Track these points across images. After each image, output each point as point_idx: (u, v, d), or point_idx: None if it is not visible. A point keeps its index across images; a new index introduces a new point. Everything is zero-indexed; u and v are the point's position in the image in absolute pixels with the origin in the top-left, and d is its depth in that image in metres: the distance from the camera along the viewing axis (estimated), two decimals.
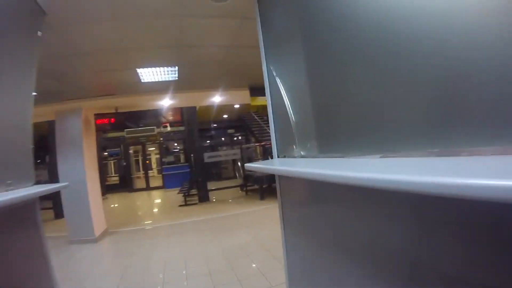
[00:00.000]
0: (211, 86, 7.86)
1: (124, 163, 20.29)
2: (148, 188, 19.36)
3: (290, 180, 2.13)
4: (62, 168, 7.51)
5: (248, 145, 16.98)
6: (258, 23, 2.60)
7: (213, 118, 20.12)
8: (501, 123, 0.81)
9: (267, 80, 2.48)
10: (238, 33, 4.75)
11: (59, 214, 10.25)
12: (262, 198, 11.13)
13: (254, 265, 5.11)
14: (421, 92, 1.08)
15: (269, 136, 9.48)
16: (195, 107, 13.13)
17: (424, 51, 1.04)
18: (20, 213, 2.05)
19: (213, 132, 22.53)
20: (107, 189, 18.25)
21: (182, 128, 19.29)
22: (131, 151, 21.47)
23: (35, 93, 5.98)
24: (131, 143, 20.53)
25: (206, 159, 13.12)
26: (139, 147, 21.65)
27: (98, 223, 7.82)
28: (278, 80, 2.28)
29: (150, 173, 22.48)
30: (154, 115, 19.47)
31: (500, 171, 0.69)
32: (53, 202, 11.15)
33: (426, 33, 1.03)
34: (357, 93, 1.45)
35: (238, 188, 14.14)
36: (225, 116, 20.68)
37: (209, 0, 3.61)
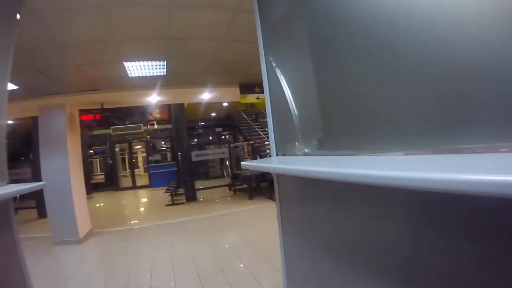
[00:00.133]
0: (201, 83, 7.66)
1: (110, 162, 19.99)
2: (134, 187, 19.08)
3: (291, 179, 1.95)
4: (45, 166, 7.28)
5: (236, 144, 16.81)
6: (256, 11, 2.42)
7: (201, 116, 19.94)
8: None
9: (266, 73, 2.30)
10: (230, 26, 4.57)
11: (42, 213, 10.01)
12: (250, 197, 10.97)
13: (244, 268, 4.97)
14: (450, 81, 0.97)
15: (258, 135, 9.45)
16: (183, 104, 12.91)
17: (444, 39, 0.97)
18: None
19: (201, 131, 22.34)
20: (92, 188, 17.95)
21: (169, 126, 19.13)
22: (117, 149, 21.17)
23: (17, 87, 5.76)
24: (117, 141, 20.25)
25: (193, 158, 12.95)
26: (126, 145, 21.36)
27: (83, 224, 7.61)
28: (278, 73, 2.11)
29: (137, 171, 22.19)
30: (141, 112, 19.25)
31: None
32: (37, 201, 10.85)
33: (441, 24, 0.98)
34: (370, 84, 1.30)
35: (226, 188, 13.98)
36: (213, 114, 20.51)
37: None
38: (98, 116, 8.15)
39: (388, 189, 1.01)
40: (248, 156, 16.26)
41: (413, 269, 1.14)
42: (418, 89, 1.07)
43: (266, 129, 14.32)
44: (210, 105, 14.45)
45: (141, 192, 17.56)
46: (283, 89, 2.01)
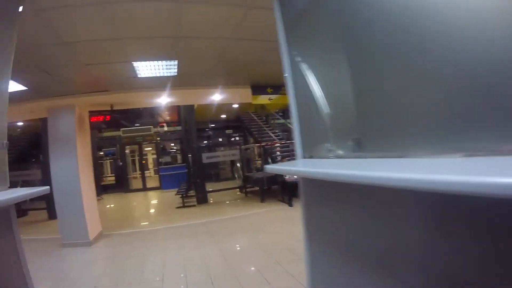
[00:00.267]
0: (211, 83, 7.51)
1: (120, 163, 19.94)
2: (144, 188, 19.00)
3: (320, 183, 1.77)
4: (55, 167, 7.21)
5: (247, 145, 16.65)
6: (277, 6, 2.25)
7: (211, 118, 19.82)
8: None
9: (289, 70, 2.12)
10: (241, 24, 4.39)
11: (52, 215, 9.95)
12: (262, 200, 10.79)
13: (258, 272, 4.83)
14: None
15: (268, 136, 9.31)
16: (193, 106, 12.79)
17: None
18: None
19: (210, 132, 22.21)
20: (102, 189, 17.95)
21: (179, 127, 19.06)
22: (127, 151, 21.14)
23: (25, 88, 5.65)
24: (127, 143, 20.20)
25: (204, 160, 12.82)
26: (136, 146, 21.30)
27: (93, 226, 7.52)
28: (303, 70, 1.93)
29: (147, 173, 22.16)
30: (150, 114, 19.21)
31: None
32: (47, 202, 10.80)
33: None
34: (420, 74, 1.12)
35: (237, 190, 13.82)
36: (223, 116, 20.37)
37: None
38: (108, 117, 8.05)
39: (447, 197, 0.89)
40: (258, 158, 16.10)
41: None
42: (482, 81, 0.91)
43: (277, 131, 14.26)
44: (220, 107, 14.29)
45: (152, 194, 17.47)
46: (310, 87, 1.83)
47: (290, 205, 9.52)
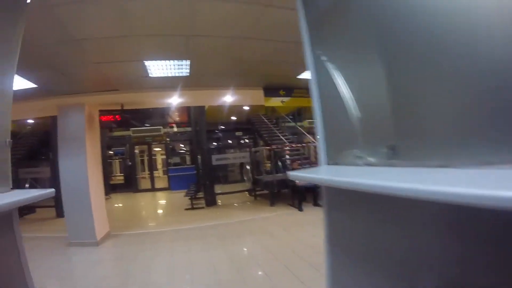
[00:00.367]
0: (224, 85, 7.39)
1: (129, 163, 19.93)
2: (153, 189, 18.95)
3: (346, 192, 1.63)
4: (63, 165, 7.19)
5: (257, 148, 16.51)
6: (300, 4, 2.11)
7: (221, 120, 19.73)
8: None
9: (314, 69, 1.97)
10: (258, 22, 4.26)
11: (60, 213, 9.92)
12: (272, 204, 10.66)
13: (267, 278, 4.71)
14: None
15: (279, 139, 9.22)
16: (204, 107, 12.70)
17: None
18: None
19: (220, 134, 22.13)
20: (111, 188, 17.95)
21: (189, 128, 19.02)
22: (136, 151, 21.13)
23: (35, 85, 5.60)
24: (137, 143, 20.19)
25: (214, 162, 12.72)
26: (145, 147, 21.27)
27: (100, 225, 7.47)
28: (329, 69, 1.78)
29: (155, 173, 22.13)
30: (160, 115, 19.22)
31: None
32: (55, 200, 10.74)
33: None
34: (469, 73, 0.98)
35: (246, 192, 13.68)
36: (233, 118, 20.27)
37: None
38: (118, 117, 7.98)
39: None
40: (268, 161, 15.98)
41: None
42: None
43: (287, 134, 14.14)
44: (230, 108, 14.21)
45: (160, 194, 17.41)
46: (336, 88, 1.69)
47: (300, 209, 9.39)
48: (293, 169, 10.62)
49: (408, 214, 1.26)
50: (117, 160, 22.81)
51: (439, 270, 1.13)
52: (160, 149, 24.84)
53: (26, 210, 11.62)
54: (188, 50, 5.11)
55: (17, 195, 1.55)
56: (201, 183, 13.01)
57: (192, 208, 11.28)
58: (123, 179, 21.02)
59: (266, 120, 18.69)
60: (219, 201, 12.33)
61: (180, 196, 13.70)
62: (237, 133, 22.56)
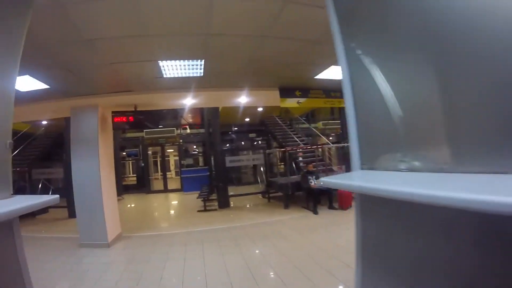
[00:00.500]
0: (238, 85, 7.23)
1: (142, 164, 19.94)
2: (166, 190, 18.90)
3: (386, 202, 1.45)
4: (76, 167, 7.16)
5: (272, 150, 16.32)
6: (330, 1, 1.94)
7: (235, 121, 19.62)
8: None
9: (346, 65, 1.78)
10: (276, 20, 4.10)
11: (73, 213, 9.88)
12: (286, 206, 10.49)
13: (283, 285, 4.55)
14: None
15: (293, 141, 9.10)
16: (217, 108, 12.58)
17: None
18: None
19: (233, 136, 22.02)
20: (124, 189, 18.06)
21: (202, 130, 18.99)
22: (149, 152, 21.16)
23: (48, 86, 5.51)
24: (150, 144, 20.20)
25: (228, 163, 12.59)
26: (158, 148, 21.26)
27: (112, 227, 7.41)
28: (364, 65, 1.60)
29: (168, 175, 22.11)
30: (173, 116, 19.23)
31: None
32: (67, 200, 10.74)
33: None
34: None
35: (259, 194, 13.51)
36: (247, 119, 20.14)
37: None
38: (131, 118, 7.87)
39: None
40: (281, 163, 15.83)
41: None
42: None
43: (301, 136, 14.00)
44: (244, 110, 14.08)
45: (173, 195, 17.33)
46: (373, 85, 1.51)
47: (315, 212, 9.20)
48: (307, 171, 10.44)
49: (465, 228, 1.08)
50: (130, 161, 22.88)
51: None
52: (173, 150, 24.87)
53: (38, 210, 11.59)
54: (203, 49, 4.96)
55: (18, 202, 1.41)
56: (214, 184, 12.90)
57: (205, 210, 11.17)
58: (136, 180, 21.16)
59: (280, 122, 18.53)
60: (231, 202, 12.19)
61: (193, 198, 13.57)
62: (251, 135, 22.43)
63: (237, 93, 7.92)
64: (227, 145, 21.49)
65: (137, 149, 20.56)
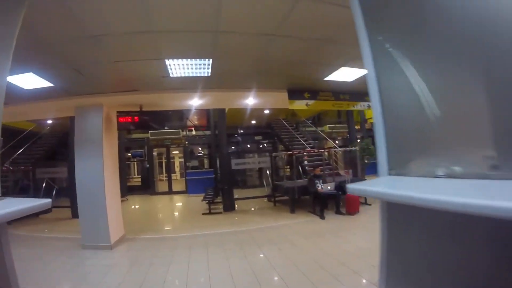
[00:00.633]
0: (246, 86, 7.09)
1: (147, 165, 19.85)
2: (170, 192, 18.77)
3: (419, 211, 1.28)
4: (79, 167, 7.09)
5: (278, 153, 16.14)
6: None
7: (241, 123, 19.49)
8: None
9: (371, 58, 1.59)
10: (288, 18, 3.95)
11: (76, 213, 9.81)
12: (292, 211, 10.32)
13: None
14: None
15: (300, 144, 8.94)
16: (224, 110, 12.44)
17: None
18: None
19: (239, 138, 21.89)
20: (128, 190, 18.02)
21: (208, 132, 18.90)
22: (154, 153, 21.07)
23: (51, 84, 5.41)
24: (155, 145, 20.10)
25: (234, 166, 12.43)
26: (163, 149, 21.15)
27: (115, 229, 7.31)
28: (395, 58, 1.42)
29: (173, 176, 22.00)
30: (179, 117, 19.15)
31: None
32: (70, 200, 10.68)
33: None
34: None
35: (265, 198, 13.37)
36: (253, 122, 20.00)
37: None
38: (136, 118, 7.74)
39: None
40: (287, 166, 15.69)
41: None
42: None
43: (308, 139, 13.86)
44: (251, 112, 13.96)
45: (177, 197, 17.20)
46: (406, 82, 1.34)
47: (322, 217, 9.02)
48: (314, 175, 10.28)
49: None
50: (135, 162, 22.83)
51: None
52: (178, 152, 24.78)
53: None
54: (211, 48, 4.83)
55: (7, 205, 1.26)
56: (219, 187, 12.74)
57: (210, 213, 11.03)
58: (141, 181, 21.15)
59: (286, 125, 18.38)
60: (236, 206, 12.04)
61: (197, 200, 13.42)
62: (257, 138, 22.29)
63: (245, 94, 7.78)
64: (233, 147, 21.36)
65: (142, 150, 20.47)
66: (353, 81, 7.04)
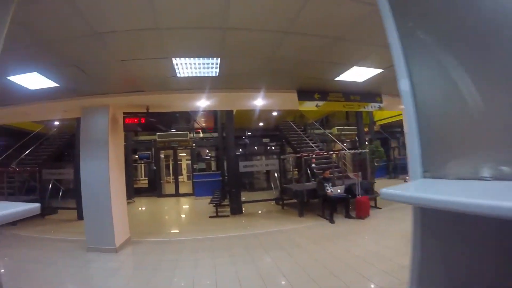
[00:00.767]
0: (255, 86, 6.94)
1: (154, 167, 19.79)
2: (177, 194, 18.67)
3: (461, 218, 1.11)
4: (85, 168, 7.03)
5: (286, 155, 15.94)
6: None
7: (248, 125, 19.34)
8: None
9: (401, 46, 1.40)
10: (300, 14, 3.79)
11: (82, 215, 9.76)
12: (301, 214, 10.13)
13: None
14: None
15: (309, 146, 8.76)
16: (232, 112, 12.31)
17: None
18: None
19: (247, 140, 21.76)
20: (135, 192, 18.04)
21: (215, 134, 18.80)
22: (161, 156, 21.02)
23: (57, 84, 5.30)
24: (162, 147, 20.03)
25: (241, 169, 12.26)
26: (170, 151, 21.08)
27: (120, 231, 7.22)
28: (430, 46, 1.24)
29: (180, 178, 21.93)
30: (186, 119, 19.07)
31: None
32: (76, 202, 10.67)
33: None
34: None
35: (273, 201, 13.17)
36: (261, 124, 19.85)
37: None
38: (143, 119, 7.62)
39: None
40: (295, 169, 15.49)
41: None
42: None
43: (316, 141, 13.67)
44: (259, 114, 13.80)
45: (184, 200, 17.11)
46: (445, 73, 1.17)
47: (331, 221, 8.84)
48: (323, 178, 10.10)
49: None
50: (142, 164, 22.81)
51: None
52: (185, 154, 24.71)
53: (48, 210, 11.70)
54: (219, 46, 4.68)
55: None
56: (226, 190, 12.60)
57: (217, 216, 10.90)
58: (147, 183, 21.15)
59: (294, 127, 18.21)
60: (244, 209, 11.89)
61: (204, 203, 13.27)
62: (265, 140, 22.16)
63: (253, 95, 7.62)
64: (241, 149, 21.23)
65: (149, 152, 20.45)
66: (364, 82, 6.87)
